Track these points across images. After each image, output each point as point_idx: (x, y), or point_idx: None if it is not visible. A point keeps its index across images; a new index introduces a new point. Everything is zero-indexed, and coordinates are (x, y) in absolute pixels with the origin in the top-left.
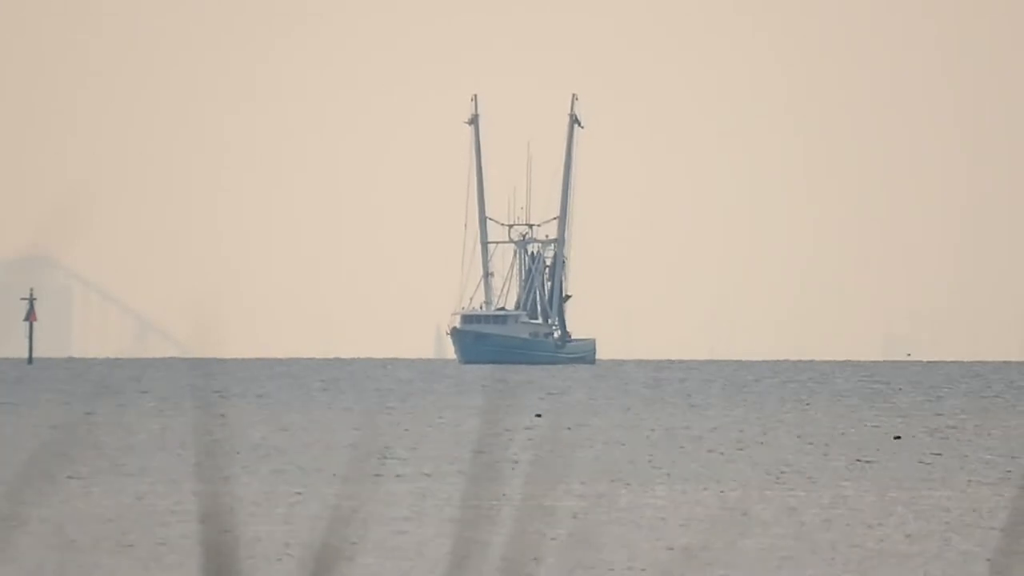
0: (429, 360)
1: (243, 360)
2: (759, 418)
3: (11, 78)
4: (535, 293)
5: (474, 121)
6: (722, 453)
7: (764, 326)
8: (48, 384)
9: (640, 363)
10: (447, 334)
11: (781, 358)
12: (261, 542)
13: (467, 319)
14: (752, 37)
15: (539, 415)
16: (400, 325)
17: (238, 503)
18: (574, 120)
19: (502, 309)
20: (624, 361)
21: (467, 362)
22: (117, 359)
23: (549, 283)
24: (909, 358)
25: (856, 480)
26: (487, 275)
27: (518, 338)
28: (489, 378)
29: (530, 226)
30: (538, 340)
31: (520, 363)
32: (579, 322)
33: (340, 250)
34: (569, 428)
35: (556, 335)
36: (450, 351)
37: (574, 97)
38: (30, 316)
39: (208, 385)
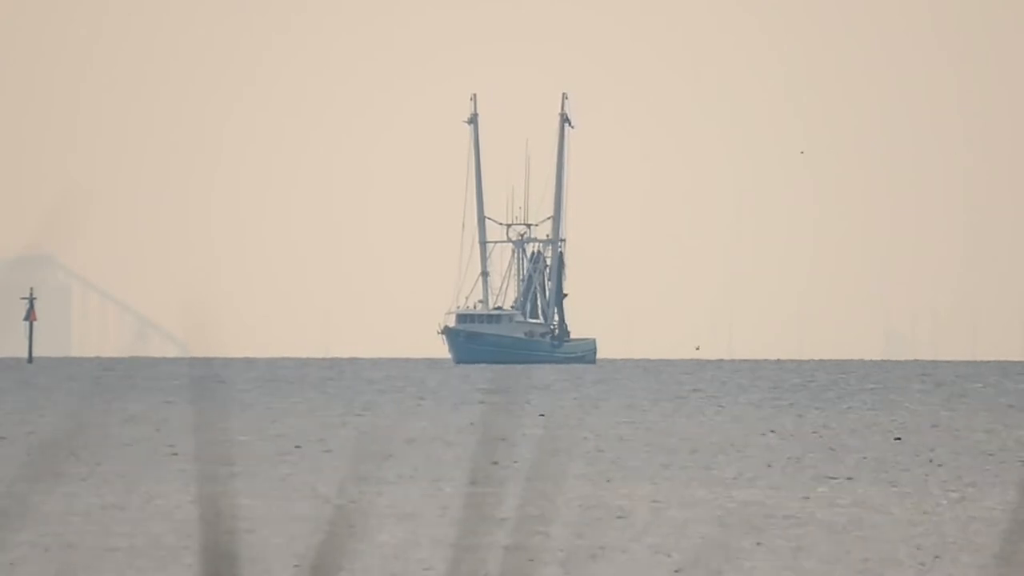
0: (423, 360)
1: (240, 360)
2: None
3: (11, 78)
4: (534, 292)
5: (473, 120)
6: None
7: (764, 325)
8: (49, 383)
9: (637, 363)
10: (440, 333)
11: (783, 357)
12: (255, 543)
13: (461, 318)
14: (751, 34)
15: (542, 414)
16: (399, 325)
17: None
18: (564, 119)
19: (499, 308)
20: (625, 361)
21: (461, 362)
22: (117, 358)
23: (550, 283)
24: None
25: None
26: (484, 274)
27: (512, 337)
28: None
29: (528, 225)
30: (534, 340)
31: (515, 363)
32: (580, 322)
33: (339, 249)
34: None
35: (554, 334)
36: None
37: (564, 96)
38: (30, 315)
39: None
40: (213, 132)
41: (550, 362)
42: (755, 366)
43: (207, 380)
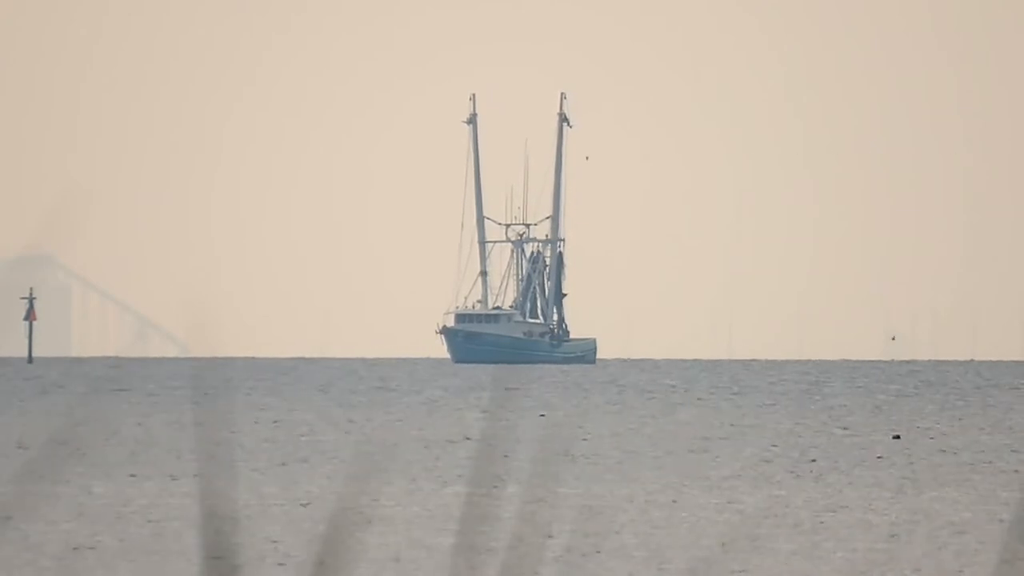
0: (422, 360)
1: (238, 360)
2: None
3: (11, 78)
4: (533, 292)
5: (472, 120)
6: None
7: (765, 325)
8: (48, 382)
9: (636, 363)
10: (438, 333)
11: (784, 357)
12: (257, 542)
13: (460, 318)
14: (751, 34)
15: (543, 415)
16: (398, 325)
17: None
18: (563, 119)
19: (498, 308)
20: (626, 361)
21: (459, 362)
22: (117, 358)
23: (549, 282)
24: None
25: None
26: (483, 274)
27: (511, 337)
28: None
29: (527, 225)
30: (533, 340)
31: (514, 363)
32: (580, 322)
33: (339, 249)
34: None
35: (553, 334)
36: None
37: (563, 96)
38: (30, 315)
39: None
40: (213, 132)
41: (549, 362)
42: (753, 365)
43: (206, 381)
